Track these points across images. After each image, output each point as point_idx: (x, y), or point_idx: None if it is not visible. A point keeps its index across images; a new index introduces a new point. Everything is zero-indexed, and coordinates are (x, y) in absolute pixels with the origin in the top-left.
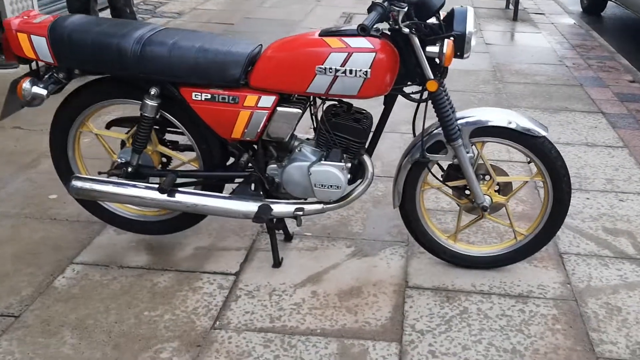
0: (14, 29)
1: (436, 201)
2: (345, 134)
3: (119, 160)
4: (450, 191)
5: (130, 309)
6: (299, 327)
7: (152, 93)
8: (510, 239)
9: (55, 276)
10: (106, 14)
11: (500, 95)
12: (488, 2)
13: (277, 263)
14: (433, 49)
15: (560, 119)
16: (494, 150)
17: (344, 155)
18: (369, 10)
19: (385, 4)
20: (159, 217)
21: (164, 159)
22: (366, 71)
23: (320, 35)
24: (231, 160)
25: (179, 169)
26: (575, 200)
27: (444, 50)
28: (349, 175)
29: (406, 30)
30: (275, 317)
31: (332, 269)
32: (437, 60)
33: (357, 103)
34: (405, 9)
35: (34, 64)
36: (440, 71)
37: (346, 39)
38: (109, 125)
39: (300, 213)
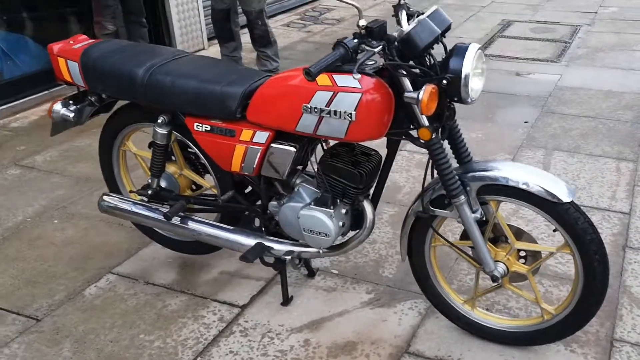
0: (55, 53)
1: None
2: (340, 177)
3: (148, 180)
4: (465, 250)
5: (130, 329)
6: None
7: (160, 121)
8: (537, 316)
9: (90, 284)
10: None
11: (637, 125)
12: None
13: (285, 301)
14: (411, 94)
15: None
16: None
17: (338, 200)
18: (333, 48)
19: (354, 42)
20: (186, 238)
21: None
22: (351, 113)
23: None
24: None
25: (202, 195)
26: None
27: (420, 96)
28: (341, 223)
29: (357, 76)
30: None
31: (339, 317)
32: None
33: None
34: (378, 49)
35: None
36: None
37: (336, 76)
38: (150, 146)
39: (289, 257)
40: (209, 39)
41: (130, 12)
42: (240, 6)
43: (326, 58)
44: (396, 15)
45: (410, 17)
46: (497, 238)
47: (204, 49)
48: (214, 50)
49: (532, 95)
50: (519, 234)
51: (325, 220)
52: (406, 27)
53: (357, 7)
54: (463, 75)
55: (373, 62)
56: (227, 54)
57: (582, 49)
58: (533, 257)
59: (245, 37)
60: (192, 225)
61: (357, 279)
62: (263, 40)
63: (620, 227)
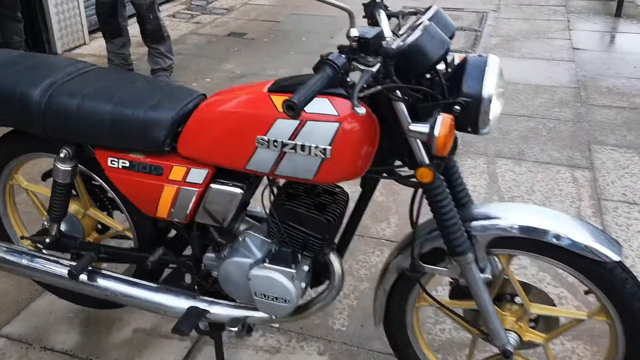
0: None
1: None
2: (301, 226)
3: (45, 224)
4: (458, 313)
5: None
6: None
7: (63, 155)
8: None
9: None
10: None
11: (579, 124)
12: None
13: None
14: (419, 127)
15: None
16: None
17: (299, 254)
18: (315, 69)
19: (343, 59)
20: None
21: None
22: (324, 149)
23: (269, 89)
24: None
25: (110, 242)
26: None
27: (436, 131)
28: (303, 284)
29: (362, 110)
30: None
31: None
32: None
33: None
34: (375, 68)
35: None
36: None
37: None
38: (44, 177)
39: (235, 329)
40: (90, 32)
41: (4, 7)
42: None
43: (311, 83)
44: (372, 17)
45: (390, 19)
46: (499, 296)
47: (85, 44)
48: (96, 45)
49: None
50: (527, 289)
51: (286, 284)
52: (390, 33)
53: (348, 11)
54: (485, 98)
55: (348, 80)
56: (114, 50)
57: (494, 37)
58: (551, 321)
59: (132, 28)
60: (103, 283)
61: (303, 334)
62: (155, 35)
63: None
